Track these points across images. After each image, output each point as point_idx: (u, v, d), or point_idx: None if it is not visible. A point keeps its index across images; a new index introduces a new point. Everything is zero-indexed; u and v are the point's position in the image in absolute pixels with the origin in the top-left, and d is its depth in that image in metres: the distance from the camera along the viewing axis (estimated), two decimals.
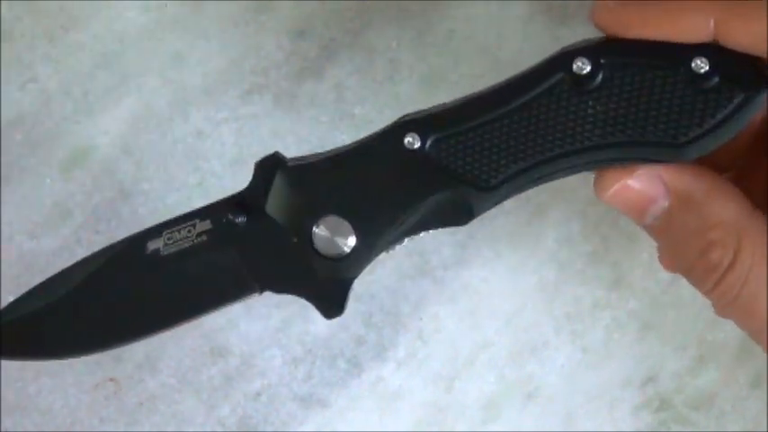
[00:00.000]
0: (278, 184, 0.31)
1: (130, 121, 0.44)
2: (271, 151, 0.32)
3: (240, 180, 0.41)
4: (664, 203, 0.29)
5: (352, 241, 0.30)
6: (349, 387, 0.44)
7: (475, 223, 0.44)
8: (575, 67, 0.27)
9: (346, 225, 0.30)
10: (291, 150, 0.37)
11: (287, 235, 0.31)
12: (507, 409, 0.44)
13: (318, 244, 0.30)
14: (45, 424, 0.43)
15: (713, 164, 0.29)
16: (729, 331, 0.44)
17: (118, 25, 0.44)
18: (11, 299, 0.40)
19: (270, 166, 0.31)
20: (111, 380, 0.44)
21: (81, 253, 0.43)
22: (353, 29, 0.44)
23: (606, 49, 0.28)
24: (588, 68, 0.27)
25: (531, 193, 0.30)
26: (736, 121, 0.27)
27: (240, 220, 0.31)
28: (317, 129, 0.44)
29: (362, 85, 0.44)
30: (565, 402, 0.44)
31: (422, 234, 0.31)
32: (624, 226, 0.44)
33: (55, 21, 0.44)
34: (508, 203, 0.31)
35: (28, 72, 0.44)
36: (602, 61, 0.27)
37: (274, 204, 0.31)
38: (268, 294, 0.44)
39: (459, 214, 0.30)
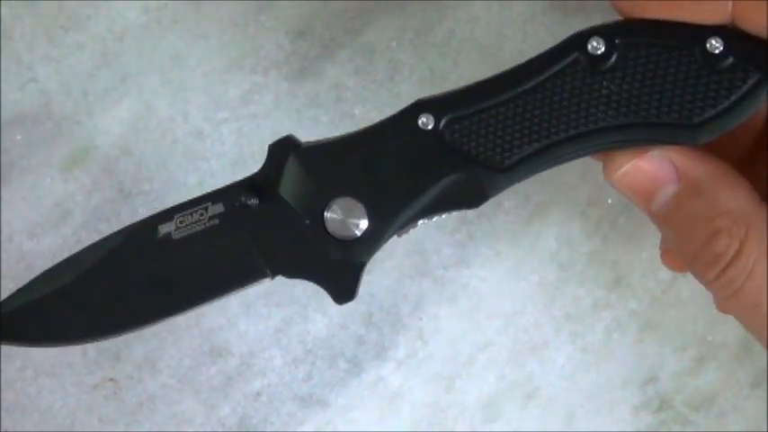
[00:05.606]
0: (291, 165, 0.31)
1: (130, 121, 0.44)
2: None
3: None
4: (672, 188, 0.29)
5: (364, 223, 0.30)
6: (349, 387, 0.44)
7: (475, 223, 0.44)
8: (589, 47, 0.28)
9: (359, 206, 0.30)
10: None
11: (299, 217, 0.31)
12: (507, 409, 0.44)
13: (331, 226, 0.30)
14: (45, 424, 0.43)
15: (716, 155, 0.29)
16: (729, 331, 0.44)
17: (118, 25, 0.44)
18: None
19: (283, 148, 0.31)
20: (111, 380, 0.44)
21: None
22: (353, 29, 0.44)
23: (621, 30, 0.28)
24: (603, 48, 0.28)
25: (531, 192, 0.30)
26: (750, 104, 0.27)
27: (252, 202, 0.31)
28: (317, 129, 0.44)
29: (362, 85, 0.44)
30: (565, 402, 0.44)
31: (435, 218, 0.31)
32: (624, 226, 0.44)
33: (55, 21, 0.44)
34: (508, 203, 0.31)
35: (28, 72, 0.44)
36: (616, 41, 0.28)
37: (287, 186, 0.31)
38: (269, 293, 0.44)
39: (472, 196, 0.30)
